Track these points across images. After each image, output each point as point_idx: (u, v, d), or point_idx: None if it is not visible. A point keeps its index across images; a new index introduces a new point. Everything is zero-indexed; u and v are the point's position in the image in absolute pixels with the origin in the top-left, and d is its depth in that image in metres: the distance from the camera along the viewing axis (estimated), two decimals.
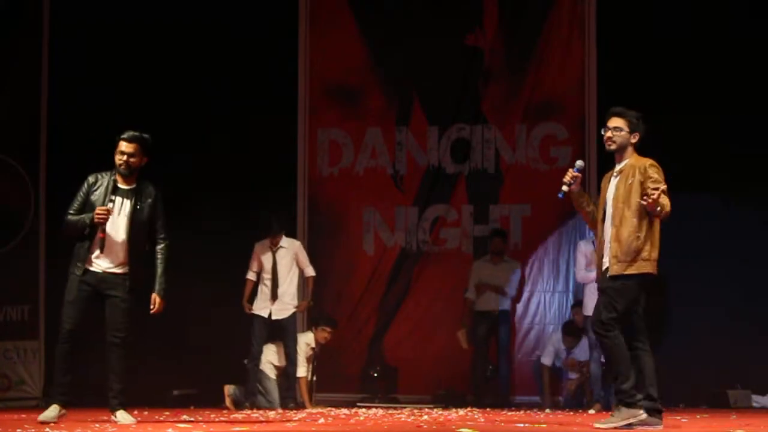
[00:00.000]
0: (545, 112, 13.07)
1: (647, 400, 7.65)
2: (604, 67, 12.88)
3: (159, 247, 8.56)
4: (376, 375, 12.71)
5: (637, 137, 7.87)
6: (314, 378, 12.01)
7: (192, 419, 9.18)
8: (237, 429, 7.96)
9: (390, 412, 10.65)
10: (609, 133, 7.88)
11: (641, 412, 7.53)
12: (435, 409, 11.00)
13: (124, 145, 8.43)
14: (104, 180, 8.49)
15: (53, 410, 8.42)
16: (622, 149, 7.88)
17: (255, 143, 12.87)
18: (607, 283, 7.71)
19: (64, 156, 12.88)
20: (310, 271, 11.86)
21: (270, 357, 11.73)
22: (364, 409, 11.24)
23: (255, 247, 11.75)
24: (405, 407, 11.47)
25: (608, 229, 7.79)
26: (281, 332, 11.69)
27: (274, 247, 11.67)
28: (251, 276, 11.77)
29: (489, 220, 13.03)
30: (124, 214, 8.41)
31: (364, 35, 13.40)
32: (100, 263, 8.40)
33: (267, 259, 11.66)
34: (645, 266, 7.65)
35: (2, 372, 12.45)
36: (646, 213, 7.67)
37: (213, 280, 12.24)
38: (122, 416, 8.42)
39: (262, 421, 9.05)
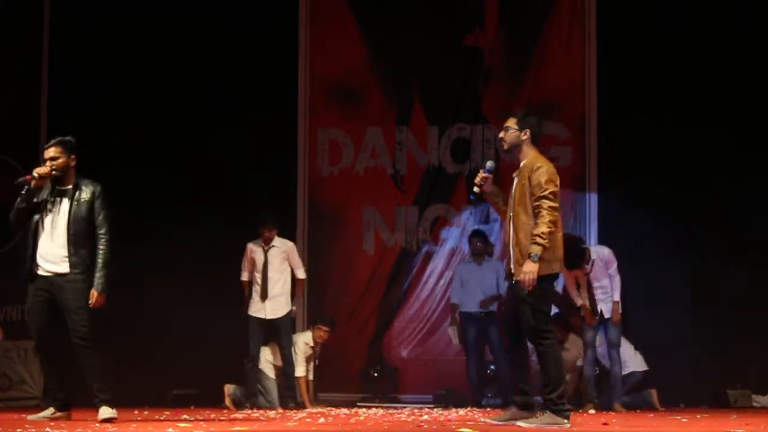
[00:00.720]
0: (545, 111, 13.02)
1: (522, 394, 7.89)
2: (604, 67, 12.89)
3: (99, 242, 8.54)
4: (376, 375, 12.71)
5: (527, 133, 7.84)
6: (313, 378, 12.01)
7: (192, 419, 9.18)
8: (237, 429, 7.95)
9: (390, 411, 10.65)
10: (501, 134, 7.95)
11: (566, 421, 7.55)
12: (435, 409, 11.01)
13: (46, 152, 8.61)
14: (46, 187, 8.63)
15: (47, 412, 8.57)
16: (514, 148, 7.88)
17: (255, 143, 12.87)
18: (520, 291, 7.66)
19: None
20: (300, 274, 11.83)
21: (269, 357, 11.74)
22: (364, 409, 11.23)
23: (247, 247, 11.73)
24: (405, 407, 11.48)
25: (510, 233, 7.79)
26: (276, 332, 11.68)
27: (266, 246, 11.67)
28: (245, 277, 11.75)
29: (490, 220, 13.02)
30: (63, 212, 8.51)
31: (364, 35, 13.41)
32: (47, 266, 8.49)
33: (259, 258, 11.65)
34: (546, 267, 7.58)
35: (2, 372, 12.47)
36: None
37: (213, 280, 12.27)
38: (103, 411, 8.41)
39: (262, 421, 9.05)
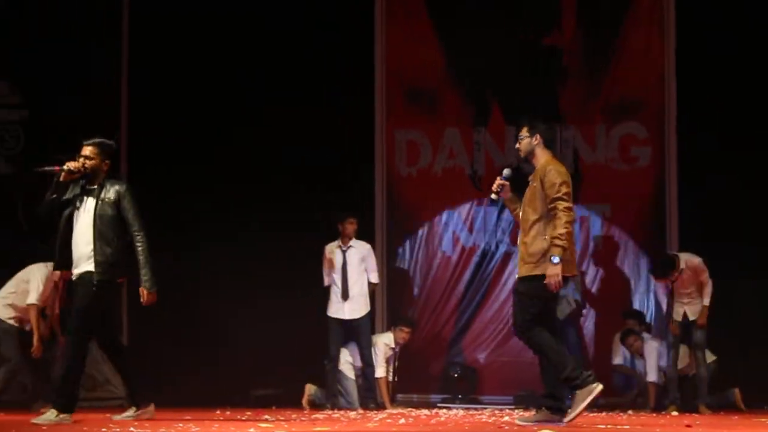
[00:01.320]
0: (624, 111, 12.98)
1: (551, 399, 7.95)
2: (683, 66, 12.77)
3: (135, 239, 8.55)
4: (456, 375, 12.70)
5: (538, 138, 8.11)
6: (395, 378, 12.04)
7: (273, 419, 9.23)
8: (318, 429, 7.98)
9: (471, 412, 10.64)
10: (516, 144, 8.25)
11: (595, 385, 7.65)
12: (516, 410, 10.97)
13: (83, 149, 8.63)
14: (78, 186, 8.67)
15: (130, 411, 8.86)
16: (529, 153, 8.16)
17: (332, 145, 12.90)
18: (518, 286, 7.94)
19: (142, 157, 13.09)
20: (374, 278, 11.87)
21: (349, 357, 11.78)
22: (444, 410, 11.24)
23: (324, 250, 11.82)
24: (486, 408, 11.46)
25: (519, 233, 8.04)
26: (356, 333, 11.73)
27: (344, 246, 11.72)
28: (327, 281, 11.83)
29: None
30: (89, 210, 8.53)
31: (440, 36, 13.38)
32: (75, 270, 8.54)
33: (337, 259, 11.71)
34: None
35: (88, 372, 12.59)
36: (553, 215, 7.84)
37: (295, 281, 12.32)
38: (50, 414, 8.31)
39: (342, 421, 9.07)
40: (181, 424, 8.28)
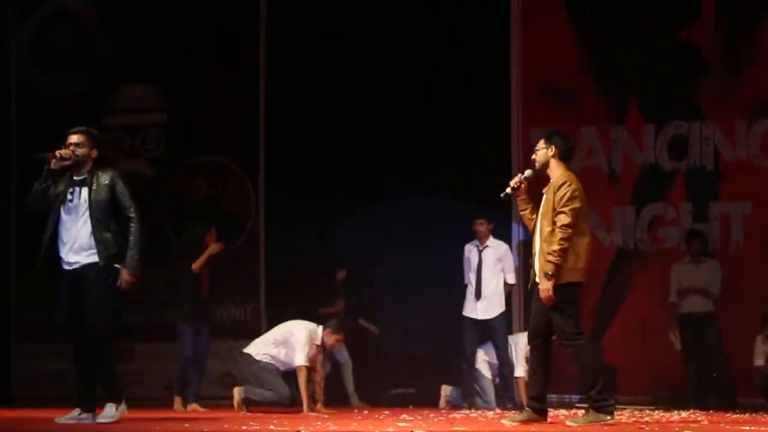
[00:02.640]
0: (764, 109, 12.71)
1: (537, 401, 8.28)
2: None
3: (130, 222, 8.42)
4: None
5: (554, 150, 8.31)
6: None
7: (411, 418, 9.26)
8: (456, 429, 7.99)
9: None
10: (533, 155, 8.44)
11: (609, 417, 8.05)
12: (656, 411, 10.81)
13: (70, 138, 8.45)
14: (63, 178, 8.47)
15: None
16: (545, 165, 8.35)
17: (468, 142, 12.89)
18: (556, 295, 8.08)
19: (279, 158, 13.26)
20: (510, 278, 11.82)
21: (485, 356, 11.76)
22: (582, 410, 11.12)
23: (464, 249, 11.85)
24: (625, 408, 11.30)
25: (536, 243, 8.23)
26: (491, 332, 11.71)
27: (480, 246, 11.71)
28: (466, 279, 11.85)
29: (708, 218, 12.74)
30: (83, 200, 8.36)
31: (576, 33, 13.27)
32: (73, 258, 8.34)
33: (474, 258, 11.73)
34: (569, 275, 8.08)
35: (228, 371, 12.79)
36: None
37: (432, 281, 12.35)
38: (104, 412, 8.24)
39: (480, 421, 9.06)
40: (319, 423, 8.36)
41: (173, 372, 11.81)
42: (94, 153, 8.50)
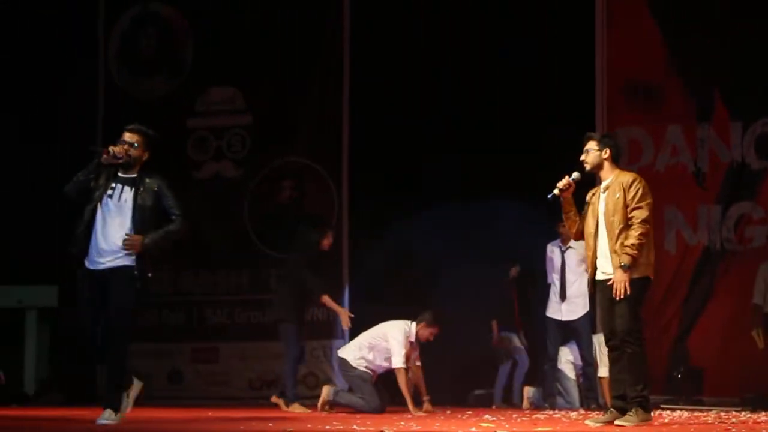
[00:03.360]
0: None
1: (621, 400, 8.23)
2: None
3: (173, 220, 8.36)
4: (679, 376, 12.45)
5: (608, 152, 8.43)
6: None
7: (494, 419, 9.25)
8: (539, 429, 7.97)
9: (695, 414, 10.42)
10: (582, 156, 8.51)
11: (650, 417, 8.23)
12: (743, 413, 10.67)
13: (124, 135, 8.39)
14: (105, 172, 8.37)
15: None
16: (597, 167, 8.46)
17: (549, 144, 12.84)
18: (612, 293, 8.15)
19: (362, 159, 13.30)
20: None
21: (570, 357, 11.71)
22: (668, 411, 11.03)
23: (546, 248, 11.83)
24: (711, 410, 11.18)
25: (604, 242, 8.31)
26: (575, 333, 11.67)
27: (563, 246, 11.67)
28: (549, 278, 11.83)
29: None
30: (127, 199, 8.27)
31: (662, 31, 13.15)
32: (99, 258, 8.23)
33: (557, 259, 11.71)
34: (644, 269, 8.21)
35: (310, 371, 12.88)
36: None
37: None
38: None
39: (564, 422, 9.02)
40: (403, 423, 8.38)
41: (259, 371, 11.88)
42: (146, 156, 8.46)
